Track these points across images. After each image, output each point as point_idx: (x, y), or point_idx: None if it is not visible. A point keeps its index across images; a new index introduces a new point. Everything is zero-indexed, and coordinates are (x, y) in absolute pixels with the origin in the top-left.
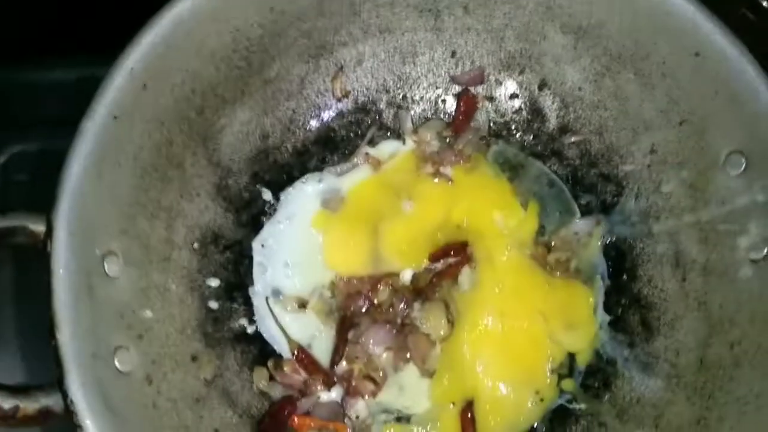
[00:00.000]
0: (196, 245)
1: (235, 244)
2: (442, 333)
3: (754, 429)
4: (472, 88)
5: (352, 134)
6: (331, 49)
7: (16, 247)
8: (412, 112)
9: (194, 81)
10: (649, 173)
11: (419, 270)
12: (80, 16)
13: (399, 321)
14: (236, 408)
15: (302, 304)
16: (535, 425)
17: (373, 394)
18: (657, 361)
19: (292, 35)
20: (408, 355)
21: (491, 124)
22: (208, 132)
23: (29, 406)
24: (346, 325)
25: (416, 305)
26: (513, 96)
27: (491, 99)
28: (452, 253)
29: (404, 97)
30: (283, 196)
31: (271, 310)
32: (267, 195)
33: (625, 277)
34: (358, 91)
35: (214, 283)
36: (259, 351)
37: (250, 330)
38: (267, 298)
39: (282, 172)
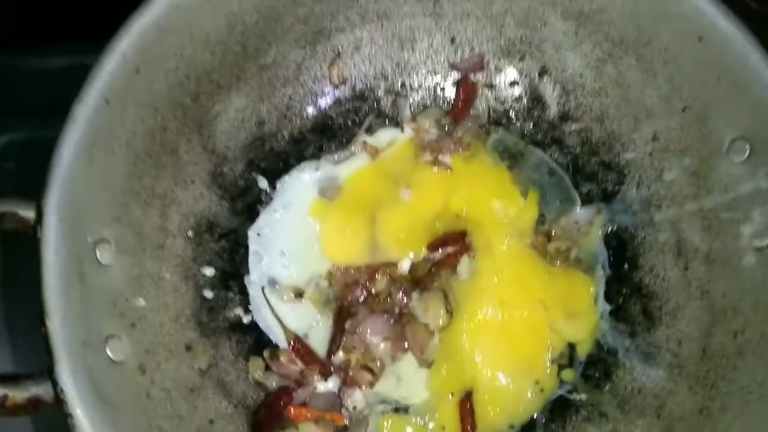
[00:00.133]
0: (190, 233)
1: (230, 232)
2: (440, 323)
3: (758, 418)
4: (471, 76)
5: (349, 122)
6: (328, 34)
7: (5, 233)
8: (411, 100)
9: (188, 66)
10: (651, 161)
11: (417, 259)
12: (70, 4)
13: (397, 311)
14: (231, 398)
15: (299, 294)
16: (535, 416)
17: (371, 385)
18: (659, 351)
19: (288, 20)
20: (406, 345)
21: (491, 112)
22: (203, 118)
23: (18, 395)
24: (343, 315)
25: (414, 295)
26: (513, 83)
27: (491, 86)
28: (451, 242)
29: (403, 84)
30: (279, 184)
31: (267, 300)
32: (263, 183)
33: (626, 266)
34: (355, 78)
35: (209, 271)
36: (255, 341)
37: (245, 320)
38: (263, 288)
39: (278, 159)
